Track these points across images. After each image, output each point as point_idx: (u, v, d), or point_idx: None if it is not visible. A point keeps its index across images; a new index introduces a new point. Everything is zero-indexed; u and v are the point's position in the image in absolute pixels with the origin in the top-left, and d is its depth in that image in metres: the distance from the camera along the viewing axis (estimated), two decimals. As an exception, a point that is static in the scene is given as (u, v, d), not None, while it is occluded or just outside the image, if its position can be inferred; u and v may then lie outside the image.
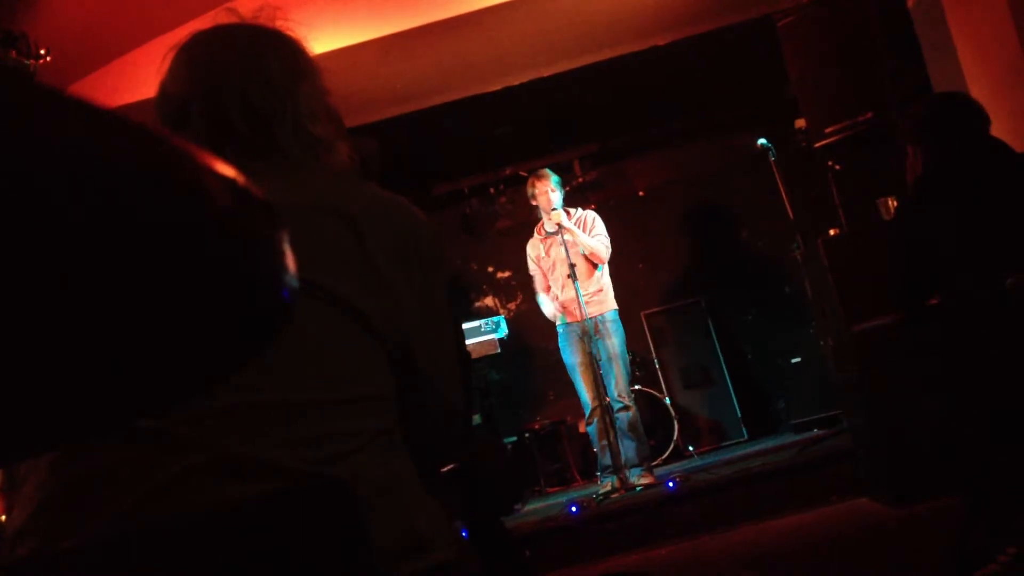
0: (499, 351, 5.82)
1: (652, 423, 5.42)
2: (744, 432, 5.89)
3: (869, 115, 3.68)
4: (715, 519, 3.92)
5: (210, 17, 1.17)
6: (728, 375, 6.04)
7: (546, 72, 5.23)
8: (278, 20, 1.17)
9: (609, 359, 4.62)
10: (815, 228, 4.11)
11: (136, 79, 4.18)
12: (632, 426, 4.62)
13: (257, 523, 0.82)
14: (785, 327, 5.99)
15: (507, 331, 6.01)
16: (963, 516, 2.40)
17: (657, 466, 5.09)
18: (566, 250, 4.61)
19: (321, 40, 4.13)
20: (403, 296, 1.03)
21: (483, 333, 5.79)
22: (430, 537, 0.95)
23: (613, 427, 4.53)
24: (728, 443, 5.85)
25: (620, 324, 4.75)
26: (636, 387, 5.25)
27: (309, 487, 0.87)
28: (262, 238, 0.37)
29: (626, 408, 4.63)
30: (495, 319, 5.97)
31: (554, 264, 4.82)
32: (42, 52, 3.24)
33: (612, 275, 4.86)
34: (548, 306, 4.89)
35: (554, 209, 4.67)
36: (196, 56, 1.13)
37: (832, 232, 3.69)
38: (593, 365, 4.59)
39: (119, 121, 0.33)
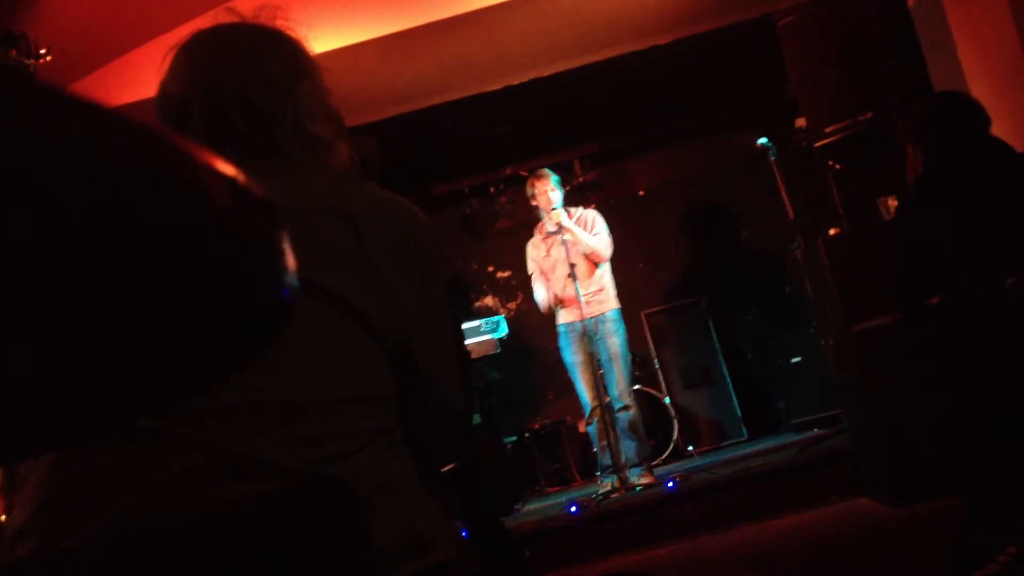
0: (499, 351, 5.82)
1: (652, 423, 5.41)
2: (744, 432, 5.89)
3: (869, 115, 3.68)
4: (715, 519, 3.92)
5: (210, 17, 1.17)
6: (728, 375, 6.04)
7: (546, 72, 5.22)
8: (278, 20, 1.17)
9: (610, 359, 4.62)
10: (815, 228, 4.11)
11: (136, 79, 4.18)
12: (632, 426, 4.62)
13: (257, 523, 0.82)
14: (785, 327, 5.98)
15: (507, 331, 6.01)
16: (963, 516, 2.39)
17: (657, 466, 5.08)
18: (566, 250, 4.60)
19: (321, 40, 4.12)
20: (403, 296, 1.03)
21: (483, 333, 5.78)
22: (430, 537, 0.95)
23: (613, 427, 4.53)
24: (728, 443, 5.85)
25: (622, 324, 4.73)
26: (636, 387, 5.24)
27: (309, 487, 0.87)
28: (262, 238, 0.37)
29: (626, 408, 4.62)
30: (495, 319, 5.97)
31: (555, 264, 4.81)
32: (42, 52, 3.24)
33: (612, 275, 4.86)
34: (541, 292, 4.82)
35: (554, 209, 4.66)
36: (196, 56, 1.13)
37: (832, 232, 3.69)
38: (593, 365, 4.59)
39: (119, 120, 0.33)
